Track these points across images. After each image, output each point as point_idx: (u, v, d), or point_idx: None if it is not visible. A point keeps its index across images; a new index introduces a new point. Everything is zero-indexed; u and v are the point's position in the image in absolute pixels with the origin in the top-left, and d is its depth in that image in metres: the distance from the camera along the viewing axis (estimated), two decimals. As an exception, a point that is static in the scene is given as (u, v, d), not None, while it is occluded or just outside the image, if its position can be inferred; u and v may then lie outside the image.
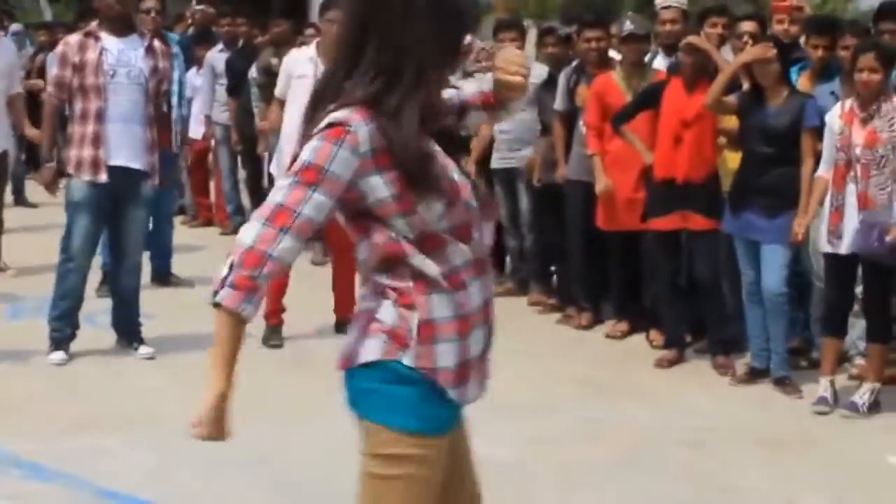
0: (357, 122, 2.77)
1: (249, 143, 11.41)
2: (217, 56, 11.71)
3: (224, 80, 11.58)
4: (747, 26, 8.11)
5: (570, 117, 8.55)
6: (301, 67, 8.07)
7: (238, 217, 12.08)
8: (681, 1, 8.51)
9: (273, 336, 7.88)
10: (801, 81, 7.76)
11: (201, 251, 10.83)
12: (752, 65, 7.13)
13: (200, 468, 5.51)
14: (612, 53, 8.88)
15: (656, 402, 6.93)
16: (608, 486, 5.51)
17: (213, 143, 11.75)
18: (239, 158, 12.05)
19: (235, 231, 11.80)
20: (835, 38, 7.82)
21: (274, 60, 10.91)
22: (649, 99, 7.81)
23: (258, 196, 11.83)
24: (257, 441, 5.71)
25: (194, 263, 9.97)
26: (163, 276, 9.60)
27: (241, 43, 11.79)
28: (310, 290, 8.45)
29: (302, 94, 7.92)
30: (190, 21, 13.03)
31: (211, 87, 11.61)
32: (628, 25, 8.43)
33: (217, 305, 2.79)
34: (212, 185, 12.51)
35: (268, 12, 11.83)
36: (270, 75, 10.89)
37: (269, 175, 11.22)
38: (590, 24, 8.76)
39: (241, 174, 12.38)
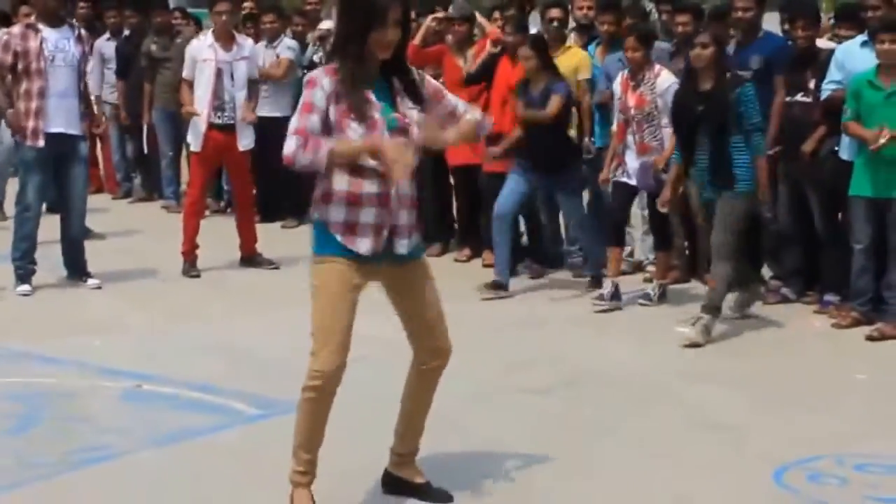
0: (321, 75, 4.77)
1: (136, 119, 13.18)
2: (105, 44, 13.32)
3: (112, 65, 13.23)
4: (554, 13, 10.05)
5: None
6: (204, 53, 9.81)
7: (127, 183, 13.87)
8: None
9: (191, 269, 9.78)
10: (597, 52, 9.89)
11: (98, 213, 12.42)
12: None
13: (172, 355, 7.43)
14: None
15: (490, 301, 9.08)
16: (465, 352, 7.43)
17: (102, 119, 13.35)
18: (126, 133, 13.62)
19: (125, 196, 13.68)
20: (619, 16, 9.94)
21: (153, 47, 12.69)
22: (487, 69, 9.84)
23: (144, 163, 13.64)
24: (206, 336, 7.85)
25: (94, 222, 11.60)
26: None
27: (128, 31, 13.44)
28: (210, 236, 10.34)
29: (207, 75, 9.78)
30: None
31: (100, 70, 13.20)
32: (450, 11, 10.50)
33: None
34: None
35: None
36: (151, 59, 12.69)
37: (154, 144, 12.96)
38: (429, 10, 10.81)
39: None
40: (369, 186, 4.75)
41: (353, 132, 4.72)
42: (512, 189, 9.09)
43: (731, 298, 8.31)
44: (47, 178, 9.10)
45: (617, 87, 8.84)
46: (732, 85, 7.85)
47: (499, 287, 9.15)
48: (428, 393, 5.12)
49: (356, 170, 4.73)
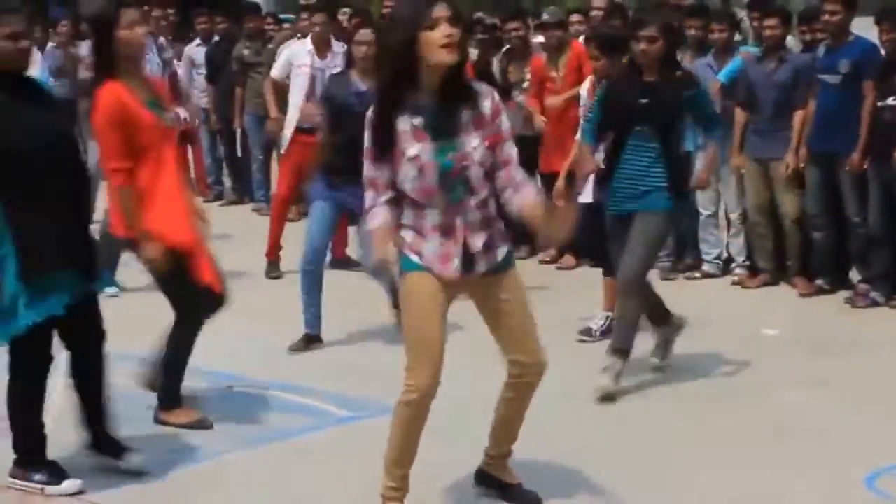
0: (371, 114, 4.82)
1: (226, 123, 13.42)
2: (195, 49, 13.59)
3: (202, 70, 13.46)
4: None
5: (506, 91, 10.54)
6: (301, 58, 9.90)
7: (217, 186, 14.11)
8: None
9: (273, 269, 9.97)
10: (685, 58, 9.81)
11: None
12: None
13: (261, 356, 7.59)
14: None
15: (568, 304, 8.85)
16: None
17: (196, 123, 13.55)
18: (217, 136, 13.87)
19: (215, 199, 13.84)
20: (706, 21, 9.93)
21: (246, 52, 12.85)
22: None
23: (235, 166, 13.88)
24: (293, 337, 7.91)
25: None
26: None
27: (218, 37, 13.67)
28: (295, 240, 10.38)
29: (302, 80, 9.86)
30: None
31: (189, 76, 13.42)
32: (545, 16, 10.56)
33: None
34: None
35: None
36: (243, 64, 12.86)
37: (245, 148, 13.15)
38: (511, 17, 10.93)
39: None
40: (431, 220, 4.75)
41: (403, 175, 4.71)
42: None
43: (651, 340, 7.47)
44: None
45: (583, 92, 8.45)
46: (684, 84, 6.91)
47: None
48: (518, 403, 5.08)
49: (418, 205, 4.75)
